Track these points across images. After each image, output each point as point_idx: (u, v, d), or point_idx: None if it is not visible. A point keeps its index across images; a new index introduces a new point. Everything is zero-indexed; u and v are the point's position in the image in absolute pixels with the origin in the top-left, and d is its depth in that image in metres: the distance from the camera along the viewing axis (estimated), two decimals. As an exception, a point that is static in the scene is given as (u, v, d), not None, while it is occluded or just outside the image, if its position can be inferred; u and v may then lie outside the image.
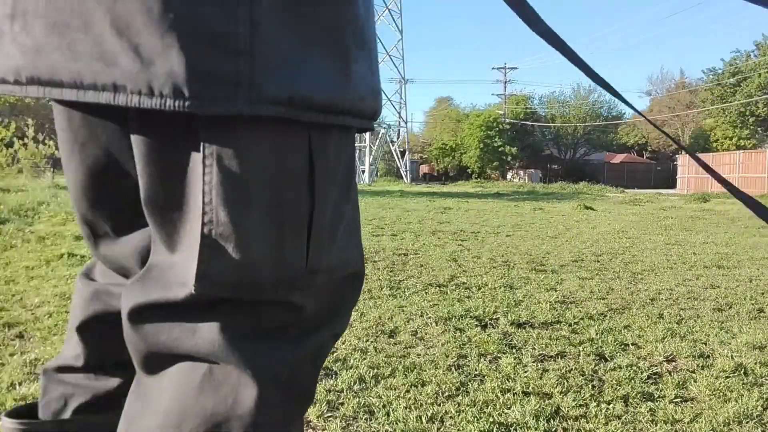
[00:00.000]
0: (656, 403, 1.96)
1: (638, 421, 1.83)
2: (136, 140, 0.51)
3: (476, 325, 2.83)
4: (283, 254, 0.53)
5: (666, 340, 2.67)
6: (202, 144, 0.49)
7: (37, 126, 14.28)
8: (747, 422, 1.82)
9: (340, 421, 1.77)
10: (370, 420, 1.79)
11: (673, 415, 1.86)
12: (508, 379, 2.13)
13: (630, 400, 1.98)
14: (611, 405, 1.93)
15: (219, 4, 0.45)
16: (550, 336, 2.68)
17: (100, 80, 0.46)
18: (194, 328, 0.53)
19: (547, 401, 1.94)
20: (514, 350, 2.48)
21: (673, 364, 2.37)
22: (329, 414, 1.82)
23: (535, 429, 1.74)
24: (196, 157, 0.50)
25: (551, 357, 2.40)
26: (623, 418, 1.84)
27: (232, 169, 0.49)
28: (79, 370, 0.78)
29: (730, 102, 35.52)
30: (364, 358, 2.32)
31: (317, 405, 1.86)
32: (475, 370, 2.23)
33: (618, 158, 45.58)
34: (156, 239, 0.55)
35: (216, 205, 0.50)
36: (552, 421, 1.79)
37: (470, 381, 2.10)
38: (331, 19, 0.51)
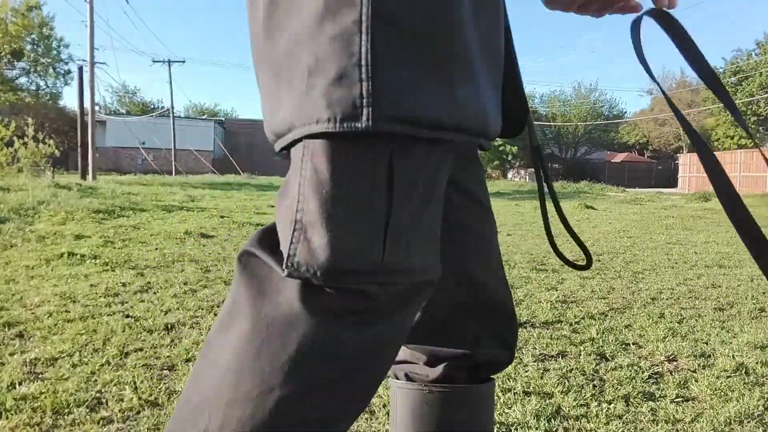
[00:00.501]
0: (657, 403, 1.96)
1: (639, 421, 1.82)
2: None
3: (477, 325, 2.82)
4: (361, 247, 0.60)
5: (667, 339, 2.66)
6: (303, 144, 0.60)
7: (37, 125, 14.28)
8: (748, 422, 1.81)
9: (341, 421, 1.76)
10: (371, 420, 1.79)
11: (674, 415, 1.86)
12: (508, 379, 2.12)
13: (631, 399, 1.98)
14: (612, 404, 1.92)
15: (342, 43, 0.56)
16: (551, 335, 2.67)
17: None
18: (278, 288, 0.61)
19: (547, 401, 1.94)
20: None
21: (675, 363, 2.37)
22: (330, 414, 1.82)
23: (536, 429, 1.74)
24: (297, 155, 0.62)
25: (552, 356, 2.40)
26: (624, 417, 1.84)
27: (322, 168, 0.59)
28: None
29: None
30: (365, 358, 2.32)
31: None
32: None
33: (619, 157, 45.59)
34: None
35: (307, 196, 0.60)
36: (553, 420, 1.79)
37: (471, 380, 2.10)
38: (438, 51, 0.59)
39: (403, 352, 0.95)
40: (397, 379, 0.97)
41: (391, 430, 0.97)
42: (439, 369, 0.90)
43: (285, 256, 0.60)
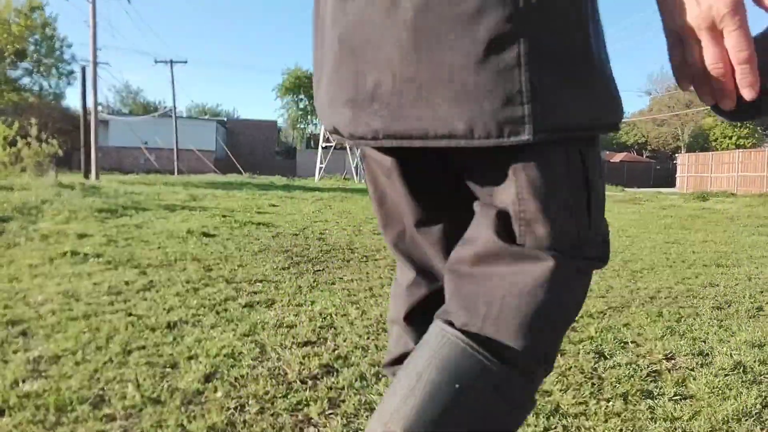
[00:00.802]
0: (655, 401, 1.97)
1: (637, 419, 1.84)
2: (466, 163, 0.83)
3: (477, 324, 2.83)
4: (579, 225, 0.79)
5: (665, 338, 2.68)
6: (515, 158, 0.76)
7: (41, 125, 14.32)
8: (746, 420, 1.83)
9: (342, 419, 1.78)
10: (372, 417, 1.80)
11: (672, 413, 1.87)
12: (508, 377, 2.13)
13: (629, 397, 1.99)
14: (611, 402, 1.94)
15: (506, 75, 0.71)
16: (551, 334, 2.69)
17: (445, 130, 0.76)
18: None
19: (546, 399, 1.95)
20: (515, 348, 2.48)
21: (673, 362, 2.38)
22: (330, 411, 1.84)
23: (535, 426, 1.75)
24: (507, 167, 0.77)
25: (551, 355, 2.41)
26: (623, 415, 1.86)
27: (536, 174, 0.76)
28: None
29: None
30: (365, 356, 2.34)
31: (318, 402, 1.87)
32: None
33: (617, 157, 45.47)
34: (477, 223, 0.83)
35: (526, 198, 0.77)
36: (552, 418, 1.80)
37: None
38: (578, 72, 0.75)
39: (400, 348, 0.99)
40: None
41: None
42: None
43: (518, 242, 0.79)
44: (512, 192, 0.78)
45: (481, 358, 0.75)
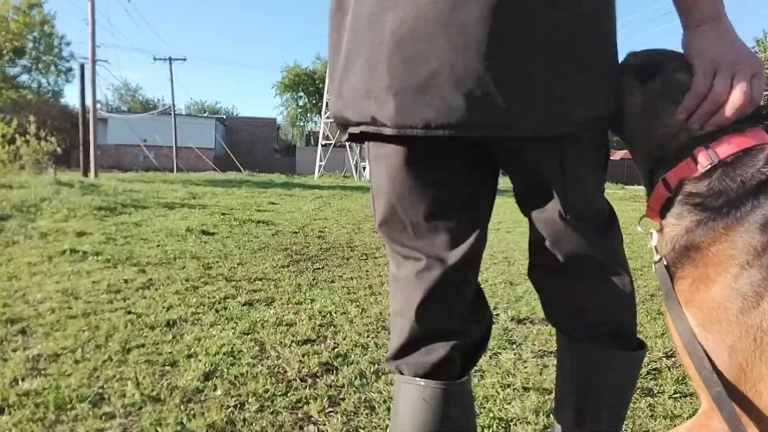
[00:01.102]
0: (655, 399, 1.97)
1: (637, 417, 1.84)
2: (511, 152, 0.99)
3: (477, 321, 2.83)
4: (598, 196, 1.06)
5: (665, 335, 2.67)
6: (560, 146, 0.95)
7: (39, 123, 14.30)
8: (746, 417, 1.82)
9: (342, 416, 1.78)
10: (371, 415, 1.80)
11: (672, 411, 1.87)
12: (508, 375, 2.14)
13: (629, 395, 1.99)
14: (611, 400, 1.93)
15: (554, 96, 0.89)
16: (550, 332, 2.68)
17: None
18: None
19: (546, 396, 1.95)
20: (514, 346, 2.49)
21: (673, 359, 2.38)
22: (330, 409, 1.83)
23: (535, 424, 1.75)
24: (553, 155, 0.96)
25: (551, 353, 2.41)
26: (622, 413, 1.85)
27: (573, 158, 0.97)
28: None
29: (732, 98, 35.34)
30: (365, 354, 2.33)
31: (318, 400, 1.87)
32: (476, 365, 2.24)
33: (618, 155, 45.32)
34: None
35: (569, 179, 0.97)
36: (552, 416, 1.80)
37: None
38: (600, 66, 0.94)
39: (412, 342, 1.00)
40: (401, 374, 0.99)
41: (392, 424, 1.01)
42: (441, 352, 0.98)
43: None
44: (557, 170, 0.98)
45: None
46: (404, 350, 1.00)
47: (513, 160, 1.00)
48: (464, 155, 0.97)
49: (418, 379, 0.97)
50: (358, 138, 0.99)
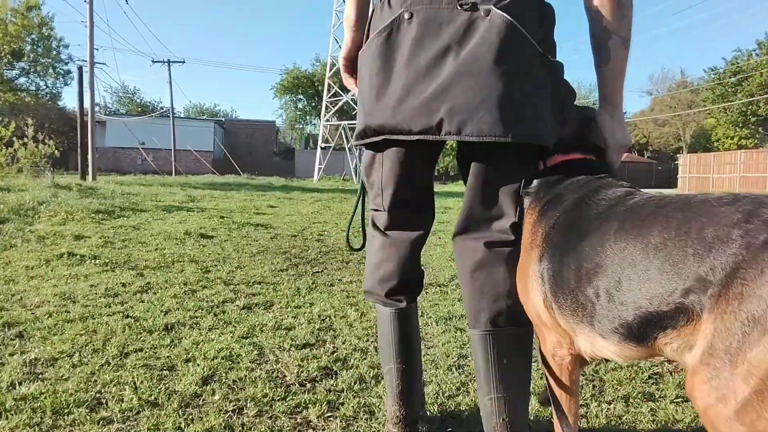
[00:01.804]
0: (657, 403, 1.96)
1: (639, 422, 1.83)
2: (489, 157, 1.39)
3: (476, 325, 2.82)
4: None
5: (666, 339, 2.66)
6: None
7: (37, 126, 14.26)
8: (748, 422, 1.81)
9: (341, 421, 1.77)
10: (371, 420, 1.79)
11: (674, 416, 1.86)
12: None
13: (631, 400, 1.98)
14: (612, 405, 1.93)
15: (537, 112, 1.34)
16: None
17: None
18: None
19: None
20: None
21: (674, 364, 2.37)
22: (329, 414, 1.82)
23: (536, 429, 1.74)
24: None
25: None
26: (624, 418, 1.84)
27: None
28: None
29: (732, 101, 35.46)
30: (365, 358, 2.32)
31: (317, 405, 1.86)
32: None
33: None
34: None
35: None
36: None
37: (471, 381, 2.09)
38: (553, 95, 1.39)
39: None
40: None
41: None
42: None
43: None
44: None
45: None
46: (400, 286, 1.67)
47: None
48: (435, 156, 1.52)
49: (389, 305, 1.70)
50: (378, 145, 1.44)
